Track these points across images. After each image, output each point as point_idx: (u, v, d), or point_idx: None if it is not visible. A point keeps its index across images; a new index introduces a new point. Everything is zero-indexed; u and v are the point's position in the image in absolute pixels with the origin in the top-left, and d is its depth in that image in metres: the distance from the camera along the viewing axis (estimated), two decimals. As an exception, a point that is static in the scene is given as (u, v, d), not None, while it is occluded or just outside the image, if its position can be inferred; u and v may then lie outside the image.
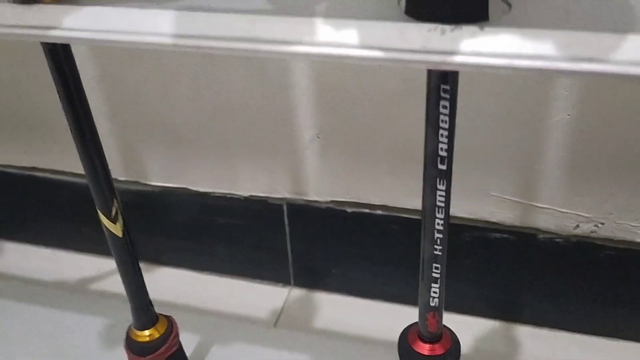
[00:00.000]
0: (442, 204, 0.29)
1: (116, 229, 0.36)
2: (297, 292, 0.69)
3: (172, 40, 0.26)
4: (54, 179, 0.71)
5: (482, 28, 0.23)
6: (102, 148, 0.36)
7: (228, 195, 0.66)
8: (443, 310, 0.33)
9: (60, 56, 0.31)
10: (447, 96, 0.26)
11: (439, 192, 0.29)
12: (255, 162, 0.63)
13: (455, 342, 0.35)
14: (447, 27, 0.23)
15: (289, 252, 0.67)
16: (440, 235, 0.30)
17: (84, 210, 0.72)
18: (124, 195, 0.69)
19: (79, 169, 0.69)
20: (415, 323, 0.35)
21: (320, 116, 0.57)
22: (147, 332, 0.40)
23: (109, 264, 0.73)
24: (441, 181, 0.28)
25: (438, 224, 0.30)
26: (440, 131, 0.27)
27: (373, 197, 0.61)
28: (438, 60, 0.23)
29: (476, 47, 0.23)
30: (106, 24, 0.27)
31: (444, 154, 0.28)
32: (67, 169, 0.70)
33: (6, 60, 0.64)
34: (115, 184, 0.68)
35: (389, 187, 0.60)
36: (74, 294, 0.68)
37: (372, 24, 0.24)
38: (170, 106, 0.60)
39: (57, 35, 0.27)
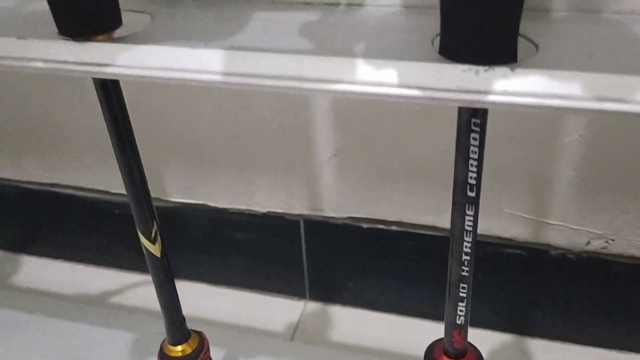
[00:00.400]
0: (470, 228, 0.31)
1: (155, 249, 0.38)
2: (312, 306, 0.71)
3: (221, 77, 0.28)
4: (74, 195, 0.73)
5: (513, 69, 0.25)
6: (144, 173, 0.38)
7: (246, 211, 0.67)
8: (468, 327, 0.35)
9: (110, 89, 0.33)
10: (478, 129, 0.28)
11: (467, 217, 0.31)
12: (273, 179, 0.64)
13: (478, 358, 0.37)
14: (481, 68, 0.25)
15: (305, 266, 0.69)
16: (468, 258, 0.32)
17: (103, 224, 0.74)
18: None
19: (99, 185, 0.71)
20: (440, 339, 0.37)
21: (338, 135, 0.59)
22: (179, 348, 0.42)
23: (128, 278, 0.75)
24: (470, 207, 0.30)
25: (466, 246, 0.32)
26: (470, 161, 0.29)
27: (389, 214, 0.63)
28: (473, 99, 0.25)
29: (508, 87, 0.25)
30: (157, 62, 0.29)
31: (473, 182, 0.29)
32: (88, 185, 0.72)
33: (29, 77, 0.65)
34: (136, 200, 0.70)
35: (405, 203, 0.62)
36: (96, 307, 0.69)
37: (410, 64, 0.26)
38: (192, 126, 0.62)
39: (111, 72, 0.29)
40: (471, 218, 0.31)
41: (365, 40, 0.29)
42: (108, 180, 0.70)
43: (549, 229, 0.58)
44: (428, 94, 0.26)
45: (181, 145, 0.64)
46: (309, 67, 0.27)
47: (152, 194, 0.69)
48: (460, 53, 0.26)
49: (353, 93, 0.26)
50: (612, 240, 0.57)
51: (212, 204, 0.68)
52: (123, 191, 0.68)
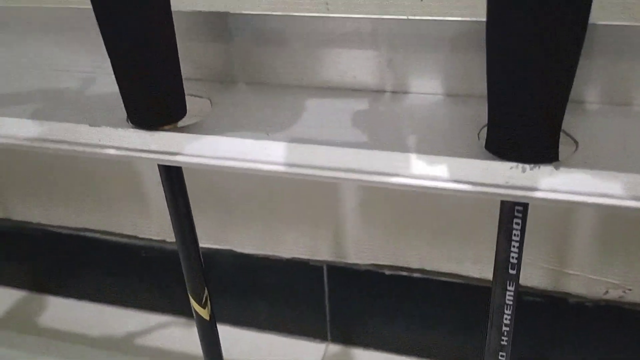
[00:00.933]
0: (511, 302, 0.33)
1: (204, 313, 0.40)
2: (334, 348, 0.72)
3: (284, 168, 0.30)
4: (101, 238, 0.75)
5: (557, 168, 0.27)
6: (199, 247, 0.40)
7: (271, 257, 0.69)
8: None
9: (173, 174, 0.35)
10: (521, 215, 0.30)
11: (508, 293, 0.33)
12: (299, 227, 0.66)
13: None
14: (527, 166, 0.28)
15: (327, 309, 0.70)
16: (507, 329, 0.34)
17: (130, 267, 0.76)
18: (172, 255, 0.73)
19: (127, 229, 0.73)
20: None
21: (363, 186, 0.61)
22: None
23: (153, 319, 0.77)
24: (511, 283, 0.32)
25: (506, 318, 0.34)
26: (513, 242, 0.31)
27: (412, 261, 0.65)
28: (521, 195, 0.28)
29: (553, 185, 0.27)
30: (224, 152, 0.31)
31: (514, 261, 0.32)
32: (116, 230, 0.74)
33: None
34: (164, 245, 0.72)
35: (428, 252, 0.64)
36: (121, 348, 0.71)
37: (461, 161, 0.28)
38: (221, 174, 0.65)
39: (180, 160, 0.32)
40: (512, 293, 0.33)
41: (415, 131, 0.31)
42: (136, 225, 0.72)
43: (568, 278, 0.60)
44: (478, 189, 0.28)
45: (209, 190, 0.66)
46: (367, 161, 0.29)
47: (180, 239, 0.72)
48: (506, 150, 0.28)
49: (408, 186, 0.29)
50: (630, 289, 0.59)
51: (238, 249, 0.70)
52: (150, 236, 0.70)
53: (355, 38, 0.34)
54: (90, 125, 0.33)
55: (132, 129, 0.32)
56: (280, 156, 0.30)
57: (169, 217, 0.70)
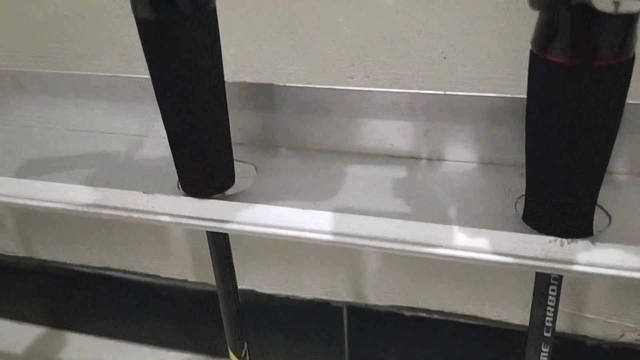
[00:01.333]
0: (544, 362, 0.35)
1: (243, 367, 0.41)
2: (352, 386, 0.73)
3: (332, 237, 0.32)
4: (123, 278, 0.76)
5: (593, 242, 0.29)
6: (240, 306, 0.41)
7: (291, 297, 0.71)
8: None
9: (221, 240, 0.36)
10: (556, 283, 0.32)
11: (542, 354, 0.34)
12: (319, 268, 0.68)
13: None
14: (565, 241, 0.29)
15: (347, 350, 0.71)
16: (541, 387, 0.35)
17: (151, 305, 0.77)
18: (195, 295, 0.75)
19: (149, 269, 0.74)
20: None
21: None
22: None
23: (172, 356, 0.77)
24: (545, 345, 0.34)
25: (540, 378, 0.35)
26: (548, 308, 0.33)
27: (431, 302, 0.66)
28: (560, 268, 0.29)
29: (591, 259, 0.29)
30: (273, 221, 0.33)
31: (549, 324, 0.33)
32: (138, 270, 0.75)
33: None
34: (185, 285, 0.73)
35: (447, 294, 0.65)
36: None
37: (501, 234, 0.30)
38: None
39: (231, 228, 0.33)
40: (546, 354, 0.34)
41: (454, 201, 0.33)
42: (159, 265, 0.74)
43: (585, 321, 0.61)
44: (518, 261, 0.30)
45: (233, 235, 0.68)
46: (412, 232, 0.31)
47: (200, 279, 0.73)
48: (544, 224, 0.30)
49: (451, 257, 0.30)
50: (645, 333, 0.60)
51: (259, 289, 0.71)
52: (172, 276, 0.71)
53: (394, 109, 0.36)
54: (144, 192, 0.34)
55: (184, 197, 0.34)
56: (328, 226, 0.32)
57: (191, 257, 0.72)
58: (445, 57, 0.48)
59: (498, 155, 0.36)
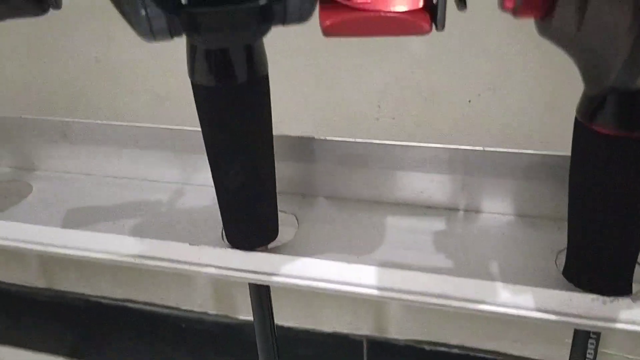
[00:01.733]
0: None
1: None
2: (371, 420, 0.73)
3: (377, 292, 0.33)
4: (143, 309, 0.77)
5: (634, 301, 0.30)
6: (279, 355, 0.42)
7: (311, 330, 0.71)
8: None
9: (263, 291, 0.37)
10: (595, 337, 0.33)
11: (580, 404, 0.35)
12: (339, 301, 0.68)
13: None
14: (607, 299, 0.30)
15: (366, 382, 0.72)
16: None
17: (170, 336, 0.77)
18: (212, 326, 0.75)
19: (170, 302, 0.75)
20: None
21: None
22: None
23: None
24: (583, 396, 0.35)
25: None
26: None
27: (451, 337, 0.67)
28: (602, 326, 0.30)
29: (632, 317, 0.30)
30: (318, 274, 0.34)
31: (587, 377, 0.34)
32: (158, 302, 0.76)
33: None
34: (205, 317, 0.74)
35: (467, 328, 0.66)
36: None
37: (544, 291, 0.31)
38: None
39: (277, 281, 0.34)
40: (583, 404, 0.35)
41: (494, 255, 0.34)
42: (180, 297, 0.74)
43: (605, 356, 0.62)
44: (561, 318, 0.31)
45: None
46: (455, 288, 0.32)
47: (220, 311, 0.74)
48: (585, 281, 0.31)
49: (494, 313, 0.31)
50: (666, 370, 0.60)
51: (279, 322, 0.72)
52: (192, 308, 0.72)
53: (433, 163, 0.37)
54: (191, 244, 0.35)
55: (230, 249, 0.35)
56: (373, 280, 0.33)
57: (211, 290, 0.73)
58: (470, 101, 0.49)
59: (534, 208, 0.37)
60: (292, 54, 0.46)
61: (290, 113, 0.51)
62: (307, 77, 0.50)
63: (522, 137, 0.48)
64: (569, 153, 0.30)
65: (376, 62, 0.49)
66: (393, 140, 0.52)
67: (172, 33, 0.24)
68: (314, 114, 0.53)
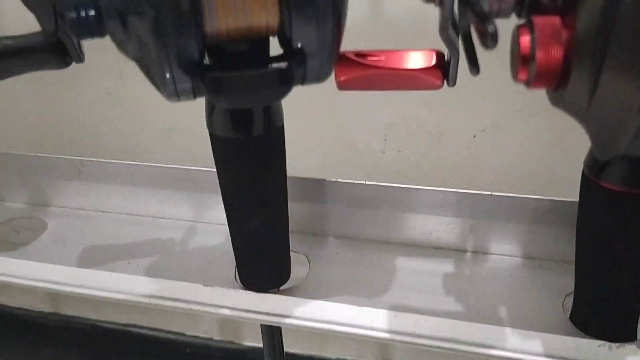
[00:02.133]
0: None
1: None
2: None
3: (388, 336, 0.33)
4: (148, 335, 0.77)
5: (639, 347, 0.31)
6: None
7: (315, 357, 0.71)
8: None
9: (274, 332, 0.38)
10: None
11: None
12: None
13: None
14: (613, 345, 0.31)
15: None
16: None
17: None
18: (219, 352, 0.75)
19: (175, 327, 0.75)
20: None
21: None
22: None
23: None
24: None
25: None
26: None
27: (455, 365, 0.67)
28: None
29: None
30: (330, 317, 0.34)
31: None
32: (164, 327, 0.76)
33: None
34: (212, 343, 0.74)
35: (471, 358, 0.66)
36: None
37: (552, 337, 0.32)
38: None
39: (288, 322, 0.35)
40: None
41: (503, 298, 0.35)
42: (185, 323, 0.75)
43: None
44: None
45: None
46: (465, 332, 0.32)
47: (225, 337, 0.74)
48: (591, 327, 0.32)
49: (503, 358, 0.32)
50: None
51: (285, 349, 0.72)
52: (198, 334, 0.72)
53: (441, 206, 0.38)
54: (205, 285, 0.36)
55: (243, 291, 0.36)
56: (385, 324, 0.33)
57: (216, 316, 0.73)
58: (475, 136, 0.50)
59: (541, 251, 0.38)
60: (301, 91, 0.47)
61: (298, 146, 0.52)
62: (315, 112, 0.51)
63: (527, 172, 0.49)
64: (575, 197, 0.31)
65: (383, 98, 0.50)
66: (400, 175, 0.53)
67: (196, 94, 0.25)
68: (322, 147, 0.54)
